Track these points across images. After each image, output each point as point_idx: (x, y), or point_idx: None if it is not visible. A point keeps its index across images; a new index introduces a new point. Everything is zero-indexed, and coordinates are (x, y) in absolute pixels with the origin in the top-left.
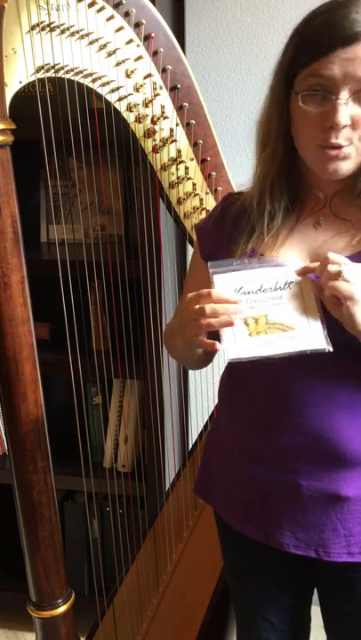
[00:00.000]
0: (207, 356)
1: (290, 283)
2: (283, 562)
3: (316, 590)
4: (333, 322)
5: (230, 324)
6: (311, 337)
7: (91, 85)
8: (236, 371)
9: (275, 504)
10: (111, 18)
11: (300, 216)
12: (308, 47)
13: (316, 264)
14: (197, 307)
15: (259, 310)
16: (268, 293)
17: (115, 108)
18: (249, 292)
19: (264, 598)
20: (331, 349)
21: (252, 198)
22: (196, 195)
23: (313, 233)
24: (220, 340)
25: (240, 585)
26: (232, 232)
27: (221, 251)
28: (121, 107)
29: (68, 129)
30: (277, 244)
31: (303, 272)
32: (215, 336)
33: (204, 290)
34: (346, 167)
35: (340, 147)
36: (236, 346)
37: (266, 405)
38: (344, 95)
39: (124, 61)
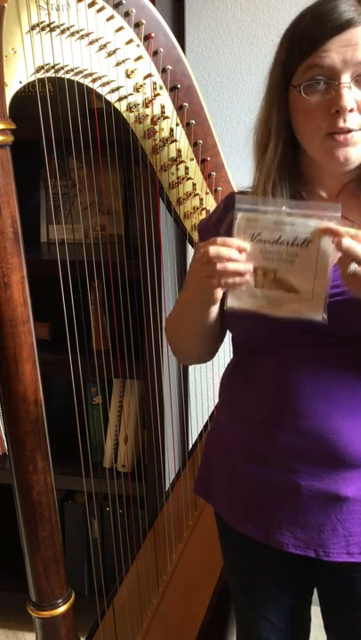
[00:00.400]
0: (215, 338)
1: (309, 242)
2: (283, 562)
3: (316, 590)
4: (336, 316)
5: (239, 274)
6: (311, 305)
7: (91, 85)
8: (237, 371)
9: (274, 504)
10: (111, 18)
11: None
12: (302, 41)
13: (345, 229)
14: (207, 251)
15: (270, 263)
16: (284, 247)
17: (115, 108)
18: (265, 242)
19: (264, 598)
20: (326, 319)
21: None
22: (196, 195)
23: None
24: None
25: (240, 584)
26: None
27: None
28: (121, 107)
29: (68, 129)
30: None
31: (326, 232)
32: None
33: (218, 238)
34: (356, 155)
35: (348, 131)
36: (237, 292)
37: (266, 405)
38: (346, 79)
39: (124, 61)
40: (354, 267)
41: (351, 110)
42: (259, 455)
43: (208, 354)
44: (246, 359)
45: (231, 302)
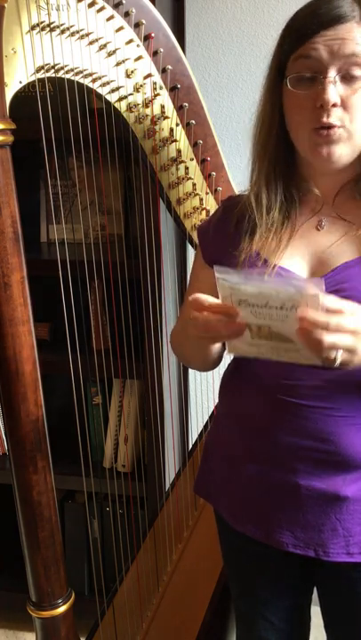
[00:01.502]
0: (219, 356)
1: (297, 307)
2: (283, 561)
3: (316, 590)
4: None
5: (235, 334)
6: (308, 352)
7: (91, 85)
8: (237, 370)
9: (274, 503)
10: (111, 18)
11: (301, 217)
12: (293, 34)
13: (319, 317)
14: (197, 318)
15: (262, 321)
16: (274, 310)
17: (115, 108)
18: (254, 305)
19: (264, 598)
20: (327, 358)
21: (250, 196)
22: (196, 195)
23: (316, 235)
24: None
25: (240, 584)
26: (234, 235)
27: (224, 254)
28: (121, 107)
29: (68, 129)
30: (281, 247)
31: (304, 321)
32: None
33: (203, 298)
34: (339, 152)
35: (331, 126)
36: (237, 343)
37: (266, 406)
38: (332, 74)
39: (124, 61)
40: (338, 354)
41: (335, 105)
42: (259, 455)
43: (212, 365)
44: (247, 360)
45: (231, 350)
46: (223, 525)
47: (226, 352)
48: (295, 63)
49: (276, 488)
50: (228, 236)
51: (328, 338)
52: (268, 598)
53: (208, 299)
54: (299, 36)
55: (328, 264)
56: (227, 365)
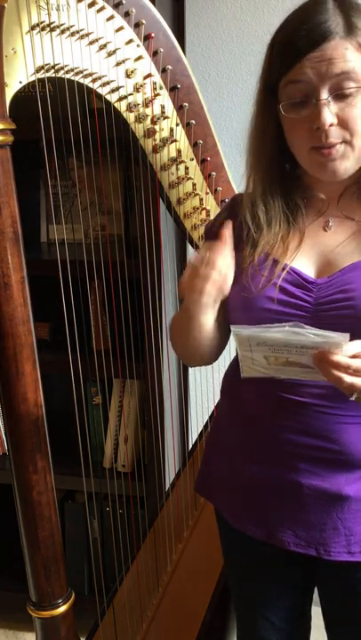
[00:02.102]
0: (216, 345)
1: (318, 348)
2: (284, 561)
3: (316, 590)
4: (340, 320)
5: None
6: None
7: (91, 85)
8: (238, 371)
9: (276, 502)
10: (111, 18)
11: (307, 219)
12: (280, 59)
13: (341, 360)
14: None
15: (280, 354)
16: (293, 348)
17: (115, 108)
18: (272, 346)
19: (265, 598)
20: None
21: (246, 207)
22: (196, 195)
23: (323, 236)
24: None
25: (241, 584)
26: (238, 237)
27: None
28: (121, 107)
29: (68, 129)
30: (289, 249)
31: (324, 362)
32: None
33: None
34: (344, 166)
35: (331, 145)
36: (252, 367)
37: (267, 405)
38: (324, 95)
39: (124, 61)
40: (355, 397)
41: (332, 125)
42: (260, 454)
43: (210, 356)
44: None
45: (246, 373)
46: (224, 525)
47: (241, 375)
48: (286, 89)
49: (277, 487)
50: (234, 236)
51: (348, 379)
52: (269, 598)
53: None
54: (285, 61)
55: (335, 264)
56: (228, 366)
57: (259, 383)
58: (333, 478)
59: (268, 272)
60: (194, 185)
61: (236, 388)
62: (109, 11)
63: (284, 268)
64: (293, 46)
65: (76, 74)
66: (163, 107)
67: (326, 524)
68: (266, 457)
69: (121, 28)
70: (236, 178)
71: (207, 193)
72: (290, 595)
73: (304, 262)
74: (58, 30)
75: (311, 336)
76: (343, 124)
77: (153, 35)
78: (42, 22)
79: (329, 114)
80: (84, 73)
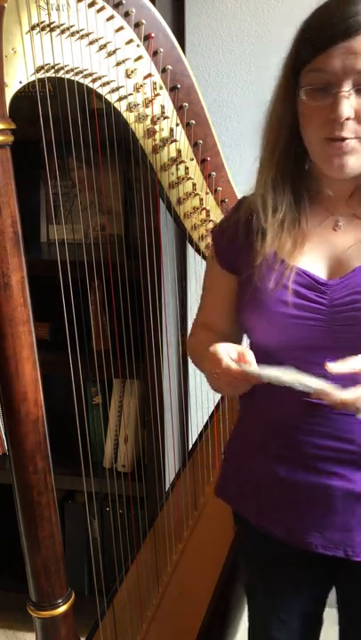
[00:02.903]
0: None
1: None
2: (307, 562)
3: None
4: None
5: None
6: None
7: (91, 85)
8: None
9: (303, 505)
10: (111, 18)
11: (316, 217)
12: (308, 44)
13: (349, 396)
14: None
15: (288, 378)
16: (295, 383)
17: (115, 108)
18: (280, 377)
19: (281, 597)
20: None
21: (255, 197)
22: (196, 195)
23: (333, 236)
24: None
25: (260, 586)
26: (247, 237)
27: (241, 260)
28: (121, 107)
29: (68, 129)
30: (297, 247)
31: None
32: None
33: (225, 362)
34: (352, 162)
35: (343, 139)
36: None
37: (293, 409)
38: (346, 87)
39: (124, 61)
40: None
41: (348, 119)
42: (287, 457)
43: None
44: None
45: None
46: (247, 528)
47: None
48: (309, 75)
49: (304, 490)
50: (241, 238)
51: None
52: (285, 598)
53: (228, 361)
54: (314, 47)
55: (347, 265)
56: None
57: (285, 388)
58: (359, 479)
59: (278, 273)
60: (194, 185)
61: (262, 392)
62: (109, 11)
63: (292, 269)
64: (323, 34)
65: (76, 74)
66: (163, 107)
67: (354, 525)
68: (292, 459)
69: (121, 28)
70: (237, 178)
71: (207, 193)
72: (307, 596)
73: (315, 263)
74: (58, 30)
75: (306, 382)
76: (359, 119)
77: (153, 35)
78: (42, 22)
79: (348, 106)
80: (84, 73)
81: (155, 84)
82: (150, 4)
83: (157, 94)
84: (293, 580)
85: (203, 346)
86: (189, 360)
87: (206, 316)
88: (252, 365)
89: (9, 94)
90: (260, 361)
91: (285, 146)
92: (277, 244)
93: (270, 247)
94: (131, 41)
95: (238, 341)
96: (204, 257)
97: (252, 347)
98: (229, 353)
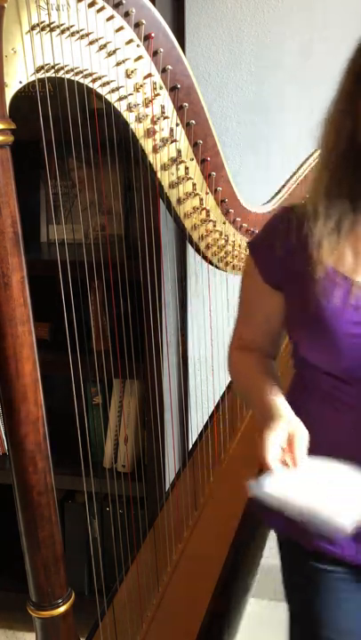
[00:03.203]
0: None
1: None
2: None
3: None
4: None
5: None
6: (340, 510)
7: (91, 85)
8: (314, 394)
9: None
10: (111, 18)
11: None
12: None
13: None
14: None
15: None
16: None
17: (115, 108)
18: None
19: (331, 618)
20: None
21: (307, 209)
22: (196, 195)
23: None
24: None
25: (307, 607)
26: (297, 250)
27: (291, 273)
28: (121, 107)
29: (68, 129)
30: (358, 264)
31: None
32: None
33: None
34: None
35: None
36: (269, 481)
37: (353, 433)
38: None
39: (124, 61)
40: None
41: None
42: None
43: None
44: (330, 386)
45: (257, 490)
46: (297, 553)
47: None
48: None
49: None
50: (292, 250)
51: None
52: (331, 618)
53: (273, 455)
54: None
55: None
56: (291, 382)
57: (341, 412)
58: None
59: (344, 290)
60: (194, 185)
61: (314, 414)
62: (109, 11)
63: (358, 286)
64: None
65: (76, 74)
66: (163, 107)
67: None
68: None
69: (121, 28)
70: (237, 178)
71: (207, 193)
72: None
73: None
74: (58, 30)
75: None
76: None
77: (153, 35)
78: (42, 22)
79: None
80: (84, 73)
81: (155, 83)
82: (150, 4)
83: (157, 94)
84: (347, 601)
85: (247, 369)
86: (189, 360)
87: (248, 331)
88: (301, 454)
89: (9, 94)
90: (313, 379)
91: (345, 151)
92: (336, 255)
93: (328, 258)
94: (131, 41)
95: (277, 353)
96: (204, 257)
97: (302, 360)
98: (280, 441)
